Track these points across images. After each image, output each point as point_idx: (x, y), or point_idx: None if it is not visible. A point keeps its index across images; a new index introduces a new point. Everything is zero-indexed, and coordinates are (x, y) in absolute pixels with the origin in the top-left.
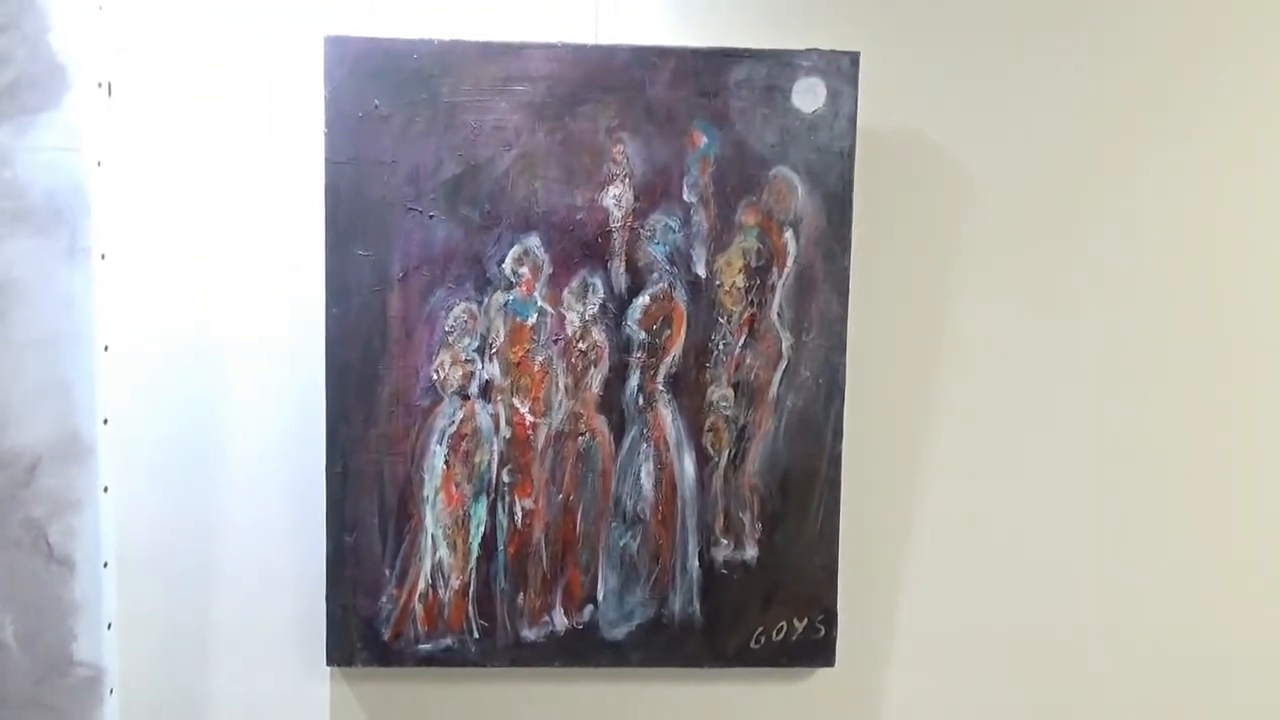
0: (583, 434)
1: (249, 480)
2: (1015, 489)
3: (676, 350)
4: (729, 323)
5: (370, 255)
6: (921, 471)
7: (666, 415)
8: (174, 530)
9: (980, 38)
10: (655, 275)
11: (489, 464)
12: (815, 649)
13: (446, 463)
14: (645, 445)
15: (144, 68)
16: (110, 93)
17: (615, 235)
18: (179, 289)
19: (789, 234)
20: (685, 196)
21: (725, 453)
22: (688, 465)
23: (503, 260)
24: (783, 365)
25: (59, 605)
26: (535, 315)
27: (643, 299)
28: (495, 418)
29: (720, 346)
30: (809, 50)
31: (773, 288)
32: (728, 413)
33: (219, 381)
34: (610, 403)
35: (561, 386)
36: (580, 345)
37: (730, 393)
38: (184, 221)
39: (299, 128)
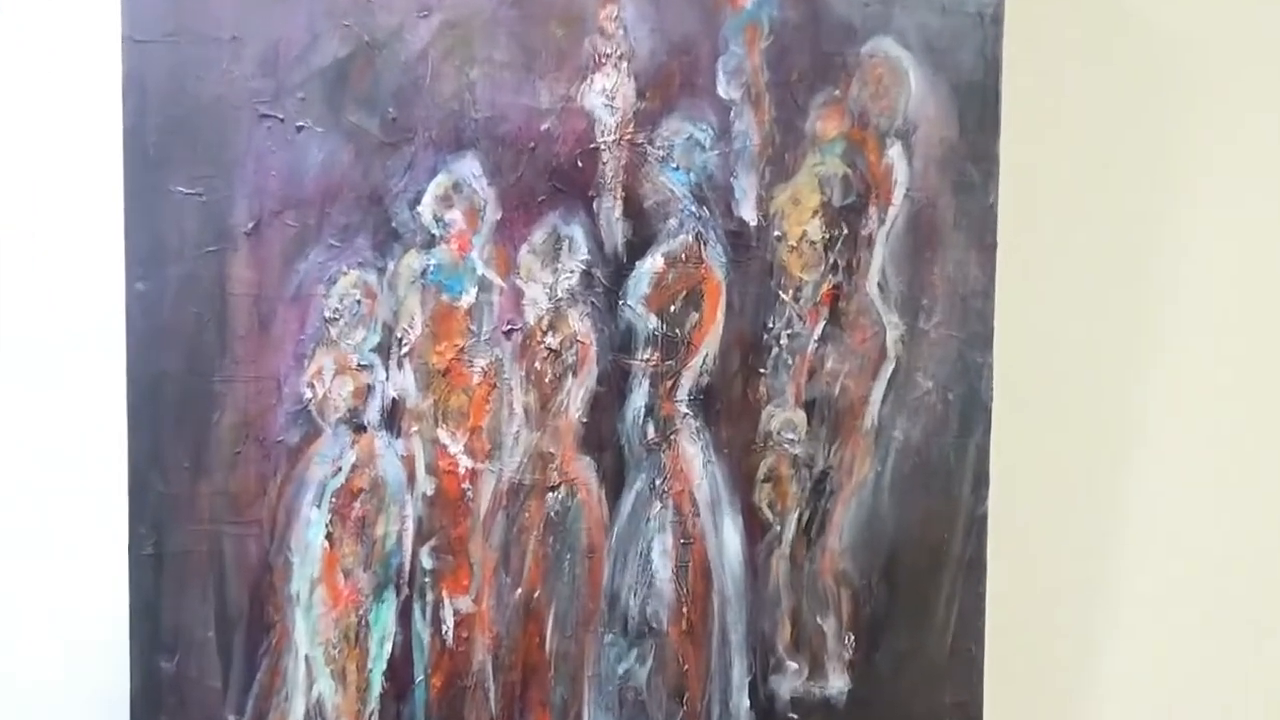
0: (555, 488)
1: (7, 572)
2: (1268, 575)
3: (710, 347)
4: (797, 300)
5: (199, 194)
6: (1117, 545)
7: (694, 455)
8: None
9: None
10: (673, 223)
11: (399, 539)
12: None
13: (329, 537)
14: (659, 505)
15: None
16: None
17: (606, 156)
18: None
19: (895, 150)
20: (722, 91)
21: (792, 517)
22: (730, 538)
23: (418, 199)
24: (887, 370)
25: None
26: (474, 290)
27: (653, 262)
28: (409, 461)
29: (783, 340)
30: None
31: (869, 241)
32: (796, 450)
33: None
34: (601, 435)
35: (519, 409)
36: (549, 340)
37: (800, 417)
38: None
39: None
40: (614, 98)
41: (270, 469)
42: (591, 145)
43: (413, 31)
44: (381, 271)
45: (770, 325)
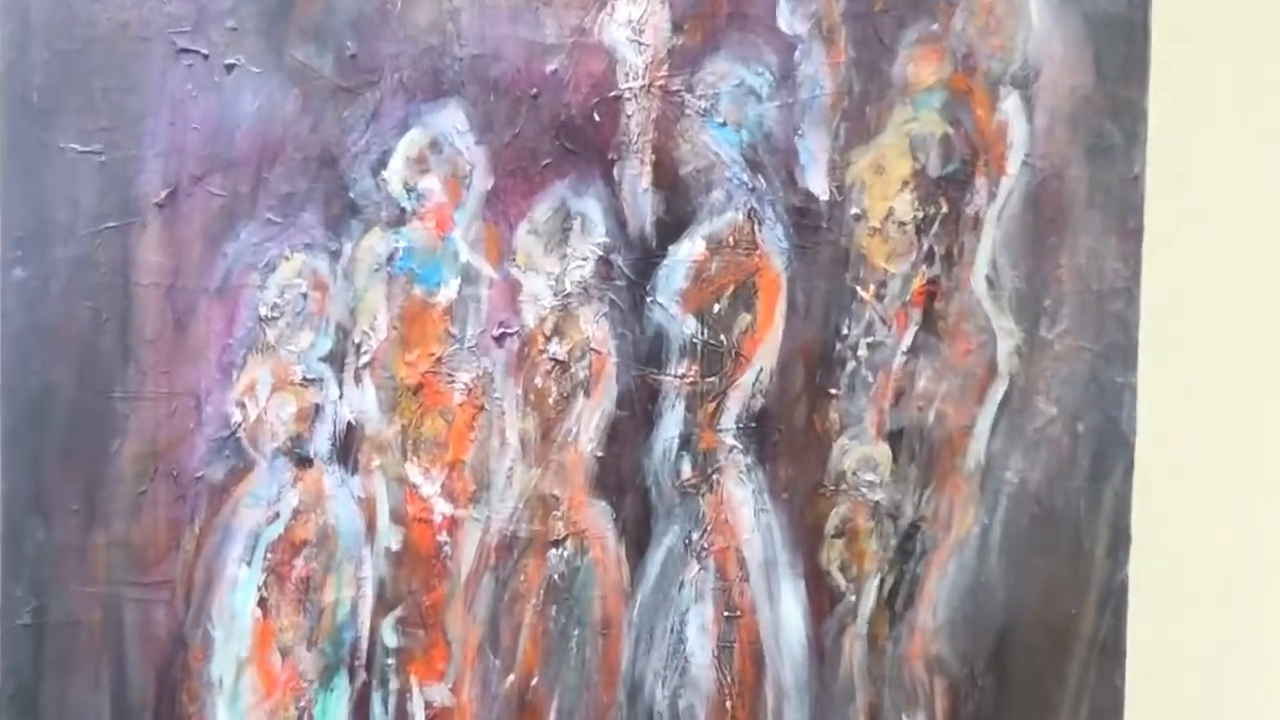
0: (560, 543)
1: None
2: None
3: (765, 359)
4: (881, 299)
5: (97, 153)
6: None
7: (743, 501)
8: None
9: None
10: (719, 196)
11: (354, 608)
12: None
13: (263, 604)
14: (696, 567)
15: None
16: None
17: (631, 108)
18: None
19: (1011, 103)
20: (784, 23)
21: (871, 584)
22: (790, 611)
23: (384, 162)
24: (998, 392)
25: None
26: (455, 282)
27: (691, 247)
28: (368, 505)
29: (861, 352)
30: None
31: (976, 222)
32: (878, 496)
33: None
34: (621, 474)
35: (513, 438)
36: (554, 348)
37: (883, 453)
38: None
39: None
40: (642, 31)
41: (186, 514)
42: (612, 93)
43: None
44: (335, 256)
45: (845, 331)
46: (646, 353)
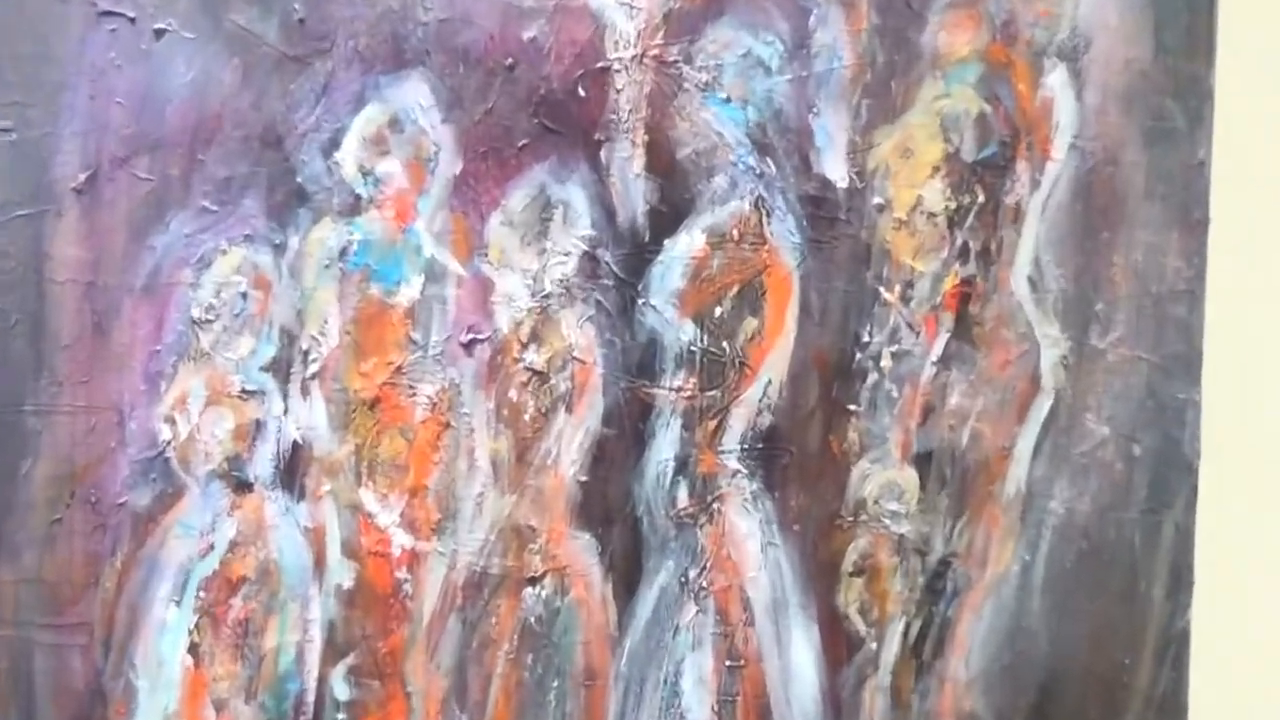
0: (537, 580)
1: None
2: None
3: (774, 371)
4: (907, 301)
5: (7, 131)
6: None
7: (748, 534)
8: None
9: None
10: (721, 182)
11: (300, 655)
12: None
13: (195, 650)
14: (694, 609)
15: None
16: None
17: (622, 81)
18: None
19: (1057, 78)
20: None
21: (895, 629)
22: (801, 659)
23: (337, 142)
24: (1041, 409)
25: None
26: (418, 280)
27: (690, 241)
28: (316, 536)
29: (885, 362)
30: None
31: (1016, 214)
32: (903, 529)
33: None
34: (608, 502)
35: (483, 460)
36: (531, 356)
37: (909, 478)
38: None
39: None
40: None
41: (106, 546)
42: (599, 64)
43: None
44: (279, 250)
45: (866, 339)
46: (638, 362)
